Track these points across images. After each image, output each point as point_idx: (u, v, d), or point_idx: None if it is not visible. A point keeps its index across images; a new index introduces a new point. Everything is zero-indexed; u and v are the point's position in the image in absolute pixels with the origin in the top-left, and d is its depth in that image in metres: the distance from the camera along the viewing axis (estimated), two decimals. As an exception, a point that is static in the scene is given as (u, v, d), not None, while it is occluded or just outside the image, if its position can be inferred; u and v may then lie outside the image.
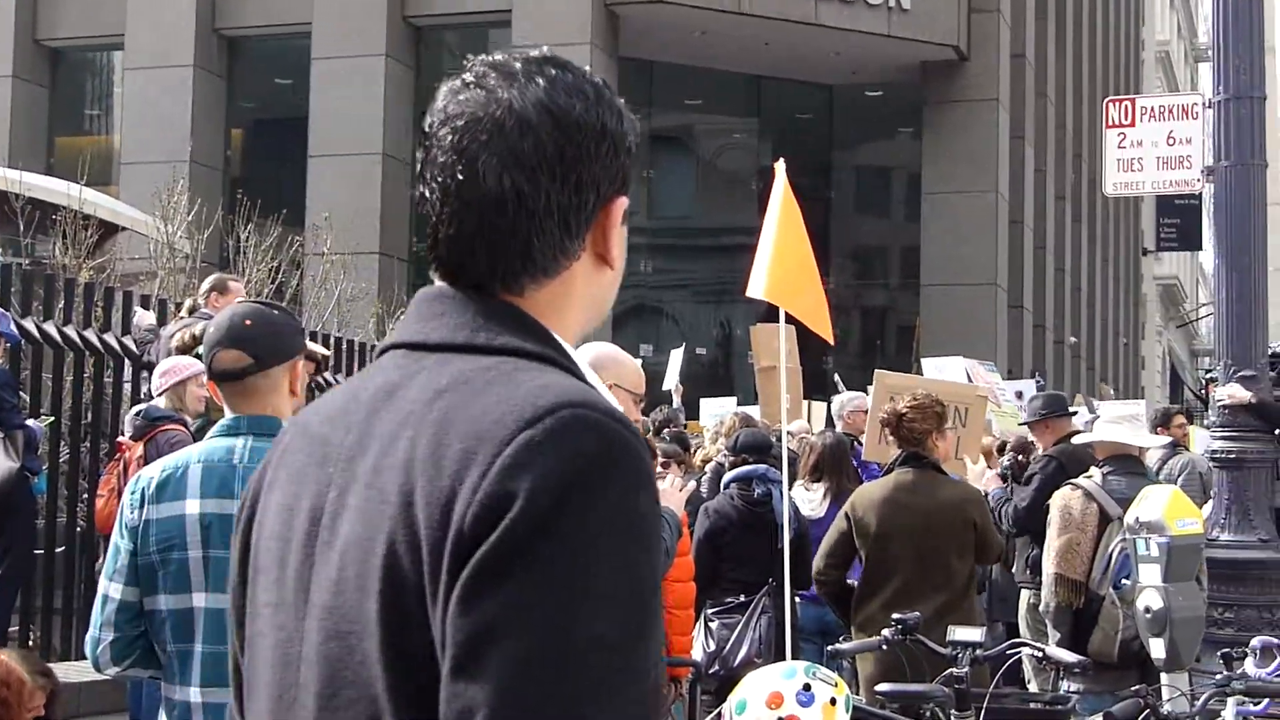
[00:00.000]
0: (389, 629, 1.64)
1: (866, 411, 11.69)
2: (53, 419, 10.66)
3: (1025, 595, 10.26)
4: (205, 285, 10.97)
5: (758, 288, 8.47)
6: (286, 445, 1.92)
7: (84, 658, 4.10)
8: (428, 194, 1.83)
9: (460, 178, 1.80)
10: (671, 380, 17.14)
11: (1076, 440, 9.86)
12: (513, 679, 1.53)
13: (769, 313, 10.93)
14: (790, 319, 8.91)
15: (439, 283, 1.86)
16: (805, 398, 15.55)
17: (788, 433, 9.32)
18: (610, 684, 1.56)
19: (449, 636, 1.57)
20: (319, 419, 1.89)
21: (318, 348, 11.96)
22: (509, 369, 1.74)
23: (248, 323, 4.08)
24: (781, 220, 8.51)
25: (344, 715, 1.69)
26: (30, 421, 9.55)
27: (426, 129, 1.85)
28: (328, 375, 14.93)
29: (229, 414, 4.09)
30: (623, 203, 1.90)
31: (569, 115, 1.82)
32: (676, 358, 17.90)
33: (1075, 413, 11.56)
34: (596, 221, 1.88)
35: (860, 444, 11.43)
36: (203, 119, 27.56)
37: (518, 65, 1.85)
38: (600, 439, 1.65)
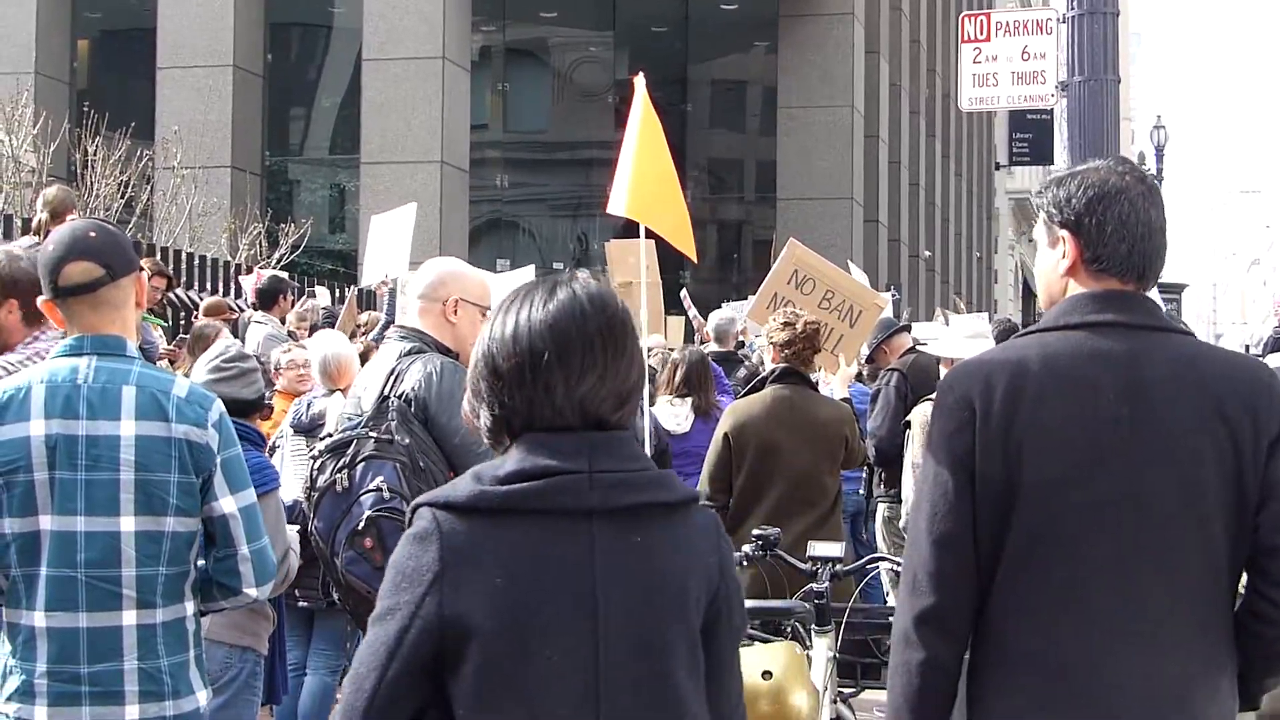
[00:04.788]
0: (1233, 486, 3.03)
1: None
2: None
3: (881, 509, 10.32)
4: (47, 209, 9.83)
5: (619, 204, 8.33)
6: (1035, 374, 3.08)
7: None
8: (1122, 231, 3.19)
9: (1141, 227, 3.18)
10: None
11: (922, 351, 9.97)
12: None
13: (626, 227, 10.86)
14: (650, 233, 8.81)
15: (1113, 284, 3.18)
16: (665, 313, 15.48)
17: (646, 348, 9.28)
18: None
19: (1273, 479, 3.04)
20: (1065, 362, 3.09)
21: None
22: (1203, 342, 3.23)
23: (92, 234, 4.02)
24: (642, 135, 8.38)
25: (1196, 529, 3.06)
26: None
27: (1094, 201, 3.20)
28: (179, 291, 14.68)
29: (72, 334, 3.98)
30: None
31: (1160, 192, 3.27)
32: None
33: (908, 326, 11.85)
34: None
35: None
36: (47, 29, 26.80)
37: (1144, 170, 3.30)
38: None
